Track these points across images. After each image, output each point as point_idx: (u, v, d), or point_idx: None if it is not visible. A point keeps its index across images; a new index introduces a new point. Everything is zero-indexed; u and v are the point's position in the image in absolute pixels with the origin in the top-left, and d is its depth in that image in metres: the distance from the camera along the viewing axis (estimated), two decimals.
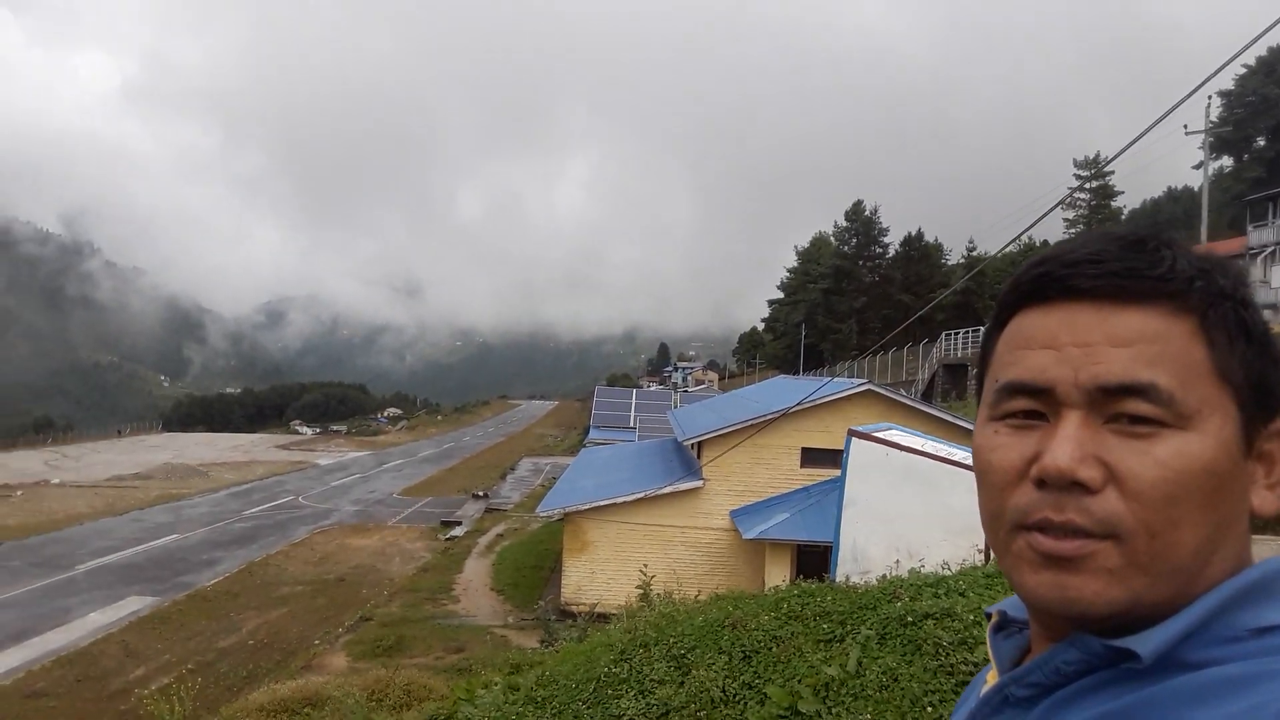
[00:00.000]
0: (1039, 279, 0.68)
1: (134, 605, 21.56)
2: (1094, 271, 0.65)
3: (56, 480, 50.73)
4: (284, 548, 29.33)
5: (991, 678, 0.76)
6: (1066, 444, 0.63)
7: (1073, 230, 57.81)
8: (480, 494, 41.47)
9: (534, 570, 24.58)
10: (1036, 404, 0.66)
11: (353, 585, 24.10)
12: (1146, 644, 0.60)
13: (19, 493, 44.38)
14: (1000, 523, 0.68)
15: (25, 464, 59.48)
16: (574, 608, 18.95)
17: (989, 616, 0.81)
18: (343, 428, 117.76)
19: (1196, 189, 50.18)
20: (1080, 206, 63.19)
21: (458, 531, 32.01)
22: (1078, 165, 64.92)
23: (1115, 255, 0.65)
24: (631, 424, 43.90)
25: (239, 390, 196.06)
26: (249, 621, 20.43)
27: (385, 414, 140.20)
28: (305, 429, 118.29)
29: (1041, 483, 0.64)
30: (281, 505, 39.68)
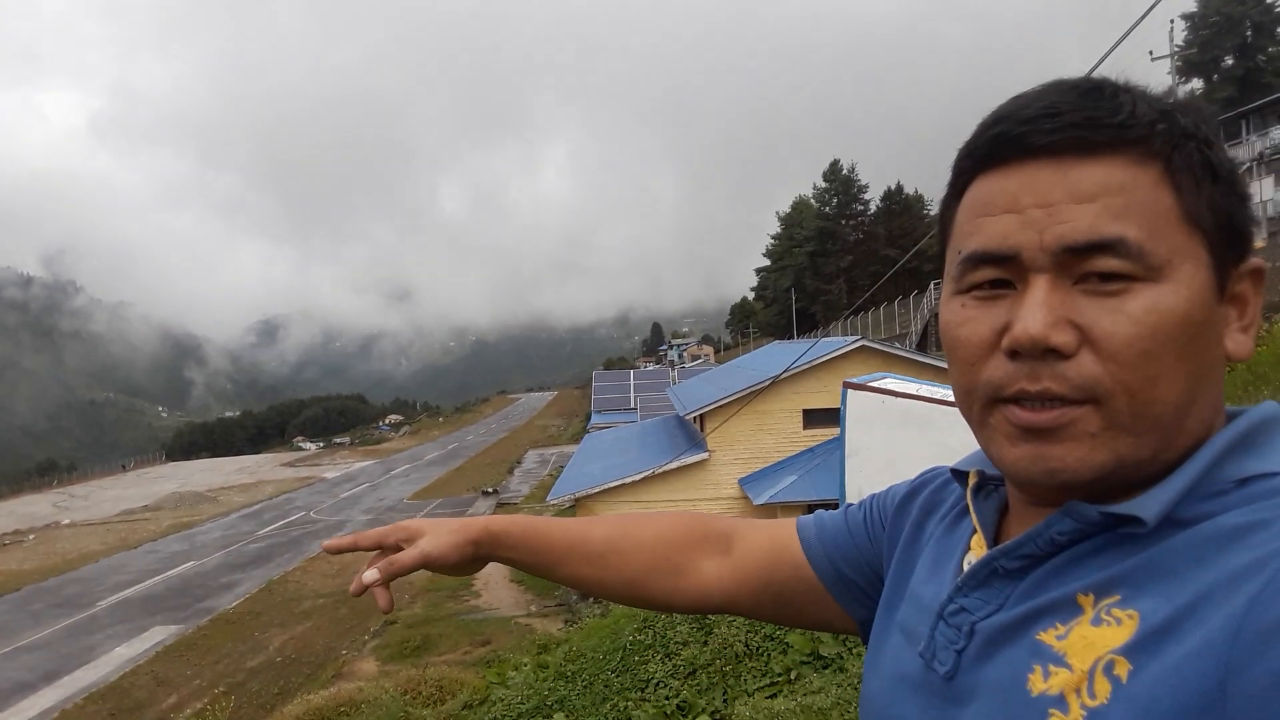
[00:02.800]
0: (995, 140, 0.63)
1: (159, 635, 21.71)
2: (1050, 126, 0.61)
3: (67, 521, 50.81)
4: (301, 563, 29.47)
5: (976, 545, 0.73)
6: (1036, 310, 0.59)
7: None
8: (490, 490, 41.66)
9: None
10: (1002, 272, 0.63)
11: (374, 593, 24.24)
12: (1148, 508, 0.59)
13: (31, 537, 44.47)
14: (974, 398, 0.65)
15: (34, 508, 59.53)
16: None
17: (960, 475, 0.79)
18: (346, 439, 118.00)
19: None
20: None
21: None
22: None
23: (1072, 105, 0.61)
24: (632, 405, 44.03)
25: (238, 413, 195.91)
26: (275, 639, 20.59)
27: (387, 421, 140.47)
28: (308, 444, 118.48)
29: (1014, 353, 0.61)
30: (294, 522, 39.82)
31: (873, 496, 0.95)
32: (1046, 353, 0.59)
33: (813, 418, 19.96)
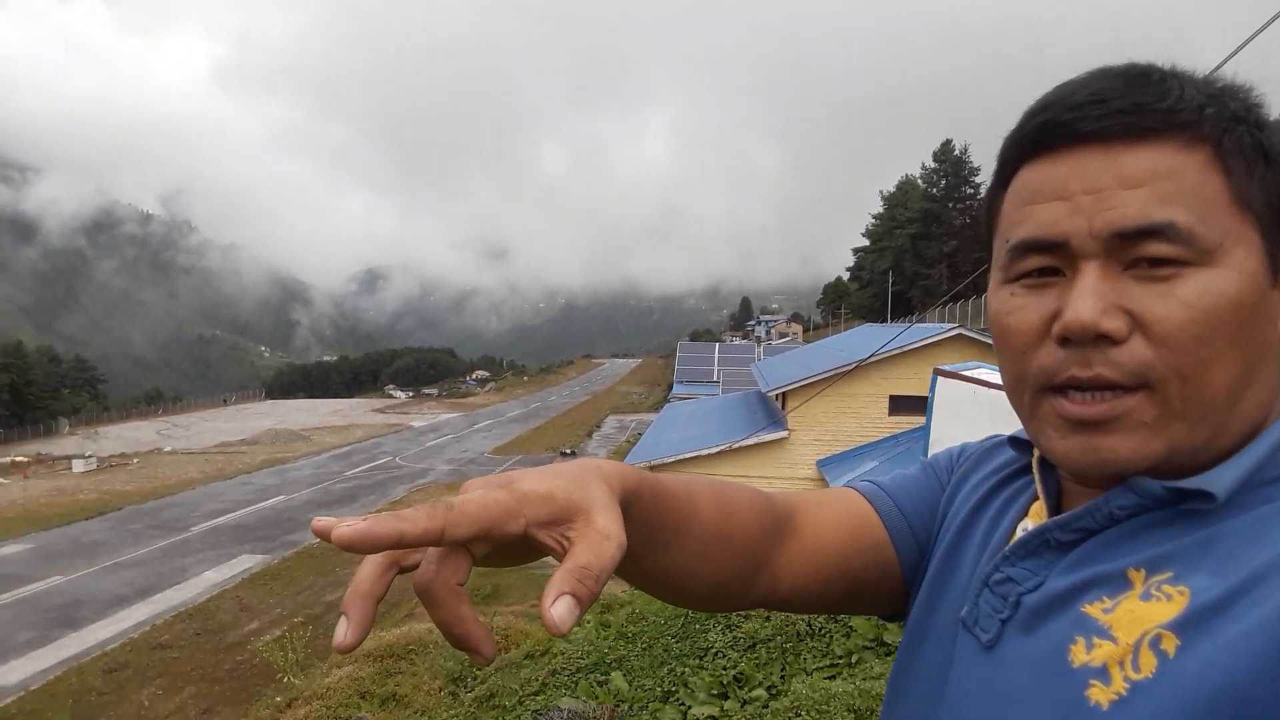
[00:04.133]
0: (1042, 128, 0.63)
1: (246, 563, 22.76)
2: (1098, 112, 0.60)
3: (169, 448, 53.71)
4: (384, 506, 30.33)
5: (1035, 513, 0.71)
6: (1087, 296, 0.58)
7: None
8: (568, 451, 42.21)
9: None
10: (1052, 259, 0.62)
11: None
12: (1219, 482, 0.57)
13: (135, 460, 47.20)
14: (1024, 386, 0.64)
15: (139, 434, 63.18)
16: None
17: (1020, 443, 0.75)
18: (434, 390, 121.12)
19: None
20: None
21: None
22: None
23: (1119, 91, 0.60)
24: (715, 378, 43.87)
25: (336, 358, 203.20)
26: (353, 575, 21.36)
27: (474, 376, 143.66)
28: (399, 393, 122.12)
29: (1065, 340, 0.60)
30: (380, 466, 41.15)
31: (925, 461, 0.88)
32: (1098, 339, 0.59)
33: (900, 404, 19.50)
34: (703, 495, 0.73)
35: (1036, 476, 0.73)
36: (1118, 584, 0.59)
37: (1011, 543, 0.69)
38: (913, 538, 0.82)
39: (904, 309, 69.08)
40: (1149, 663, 0.54)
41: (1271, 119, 0.62)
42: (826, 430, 19.68)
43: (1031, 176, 0.64)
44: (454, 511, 0.49)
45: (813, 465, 19.52)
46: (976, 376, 7.56)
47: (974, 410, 6.94)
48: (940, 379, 7.20)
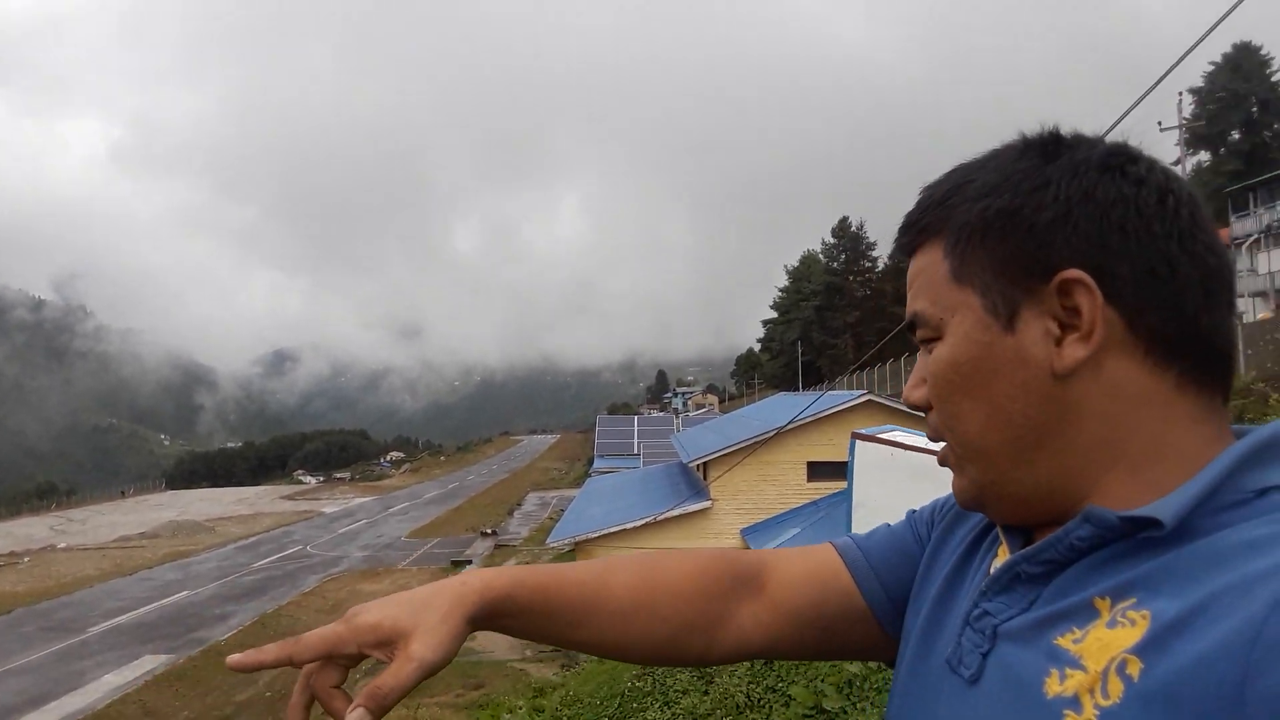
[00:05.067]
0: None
1: (149, 664, 21.45)
2: (898, 236, 0.77)
3: (63, 544, 50.51)
4: (296, 597, 29.20)
5: (1003, 551, 0.76)
6: (912, 376, 0.76)
7: None
8: (489, 531, 41.36)
9: None
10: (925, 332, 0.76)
11: None
12: (1166, 509, 0.60)
13: (26, 559, 44.17)
14: None
15: (31, 530, 59.22)
16: None
17: None
18: (346, 474, 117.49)
19: None
20: None
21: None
22: None
23: (908, 214, 0.76)
24: (635, 451, 43.89)
25: (240, 444, 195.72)
26: (265, 673, 20.22)
27: (388, 458, 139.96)
28: (309, 478, 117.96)
29: None
30: (290, 555, 39.53)
31: (911, 513, 0.96)
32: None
33: (817, 470, 19.90)
34: (621, 574, 0.87)
35: (999, 526, 0.77)
36: (1086, 614, 0.62)
37: (987, 579, 0.73)
38: (880, 587, 0.89)
39: (814, 377, 70.72)
40: (1116, 688, 0.56)
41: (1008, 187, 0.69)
42: (748, 499, 19.89)
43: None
44: (299, 644, 0.74)
45: (737, 534, 19.63)
46: (894, 439, 7.85)
47: (893, 472, 7.20)
48: (859, 443, 7.43)
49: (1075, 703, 0.58)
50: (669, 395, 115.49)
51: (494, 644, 20.89)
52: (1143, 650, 0.56)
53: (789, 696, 5.19)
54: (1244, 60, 49.10)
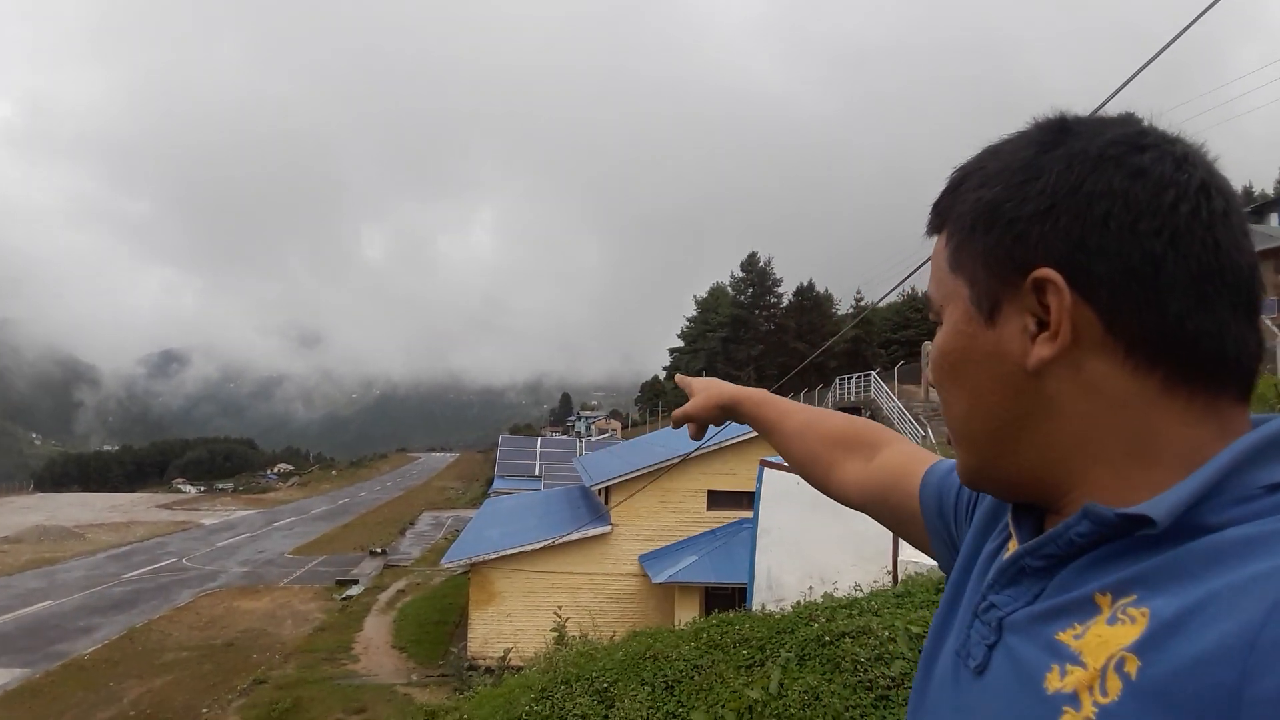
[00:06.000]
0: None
1: (2, 679, 19.95)
2: (930, 217, 0.78)
3: None
4: (168, 612, 27.66)
5: (1013, 544, 0.76)
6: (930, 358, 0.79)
7: None
8: (378, 550, 40.12)
9: (437, 626, 23.85)
10: None
11: (242, 650, 22.86)
12: (1159, 507, 0.59)
13: None
14: None
15: None
16: (481, 661, 18.47)
17: None
18: (229, 485, 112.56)
19: None
20: None
21: (355, 590, 30.82)
22: None
23: (938, 195, 0.77)
24: (537, 473, 43.41)
25: (117, 448, 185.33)
26: (130, 691, 19.12)
27: (275, 470, 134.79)
28: (188, 487, 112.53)
29: None
30: (164, 568, 37.52)
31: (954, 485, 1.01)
32: None
33: (717, 499, 20.02)
34: (800, 414, 1.27)
35: (1010, 519, 0.77)
36: (1087, 610, 0.62)
37: (993, 571, 0.74)
38: (936, 504, 0.98)
39: None
40: (1114, 686, 0.56)
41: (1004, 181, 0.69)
42: (649, 525, 19.86)
43: None
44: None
45: (635, 560, 19.56)
46: None
47: (798, 500, 7.29)
48: (767, 471, 7.50)
49: (1074, 699, 0.58)
50: (573, 418, 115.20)
51: (379, 667, 20.21)
52: (1141, 648, 0.56)
53: None
54: None
